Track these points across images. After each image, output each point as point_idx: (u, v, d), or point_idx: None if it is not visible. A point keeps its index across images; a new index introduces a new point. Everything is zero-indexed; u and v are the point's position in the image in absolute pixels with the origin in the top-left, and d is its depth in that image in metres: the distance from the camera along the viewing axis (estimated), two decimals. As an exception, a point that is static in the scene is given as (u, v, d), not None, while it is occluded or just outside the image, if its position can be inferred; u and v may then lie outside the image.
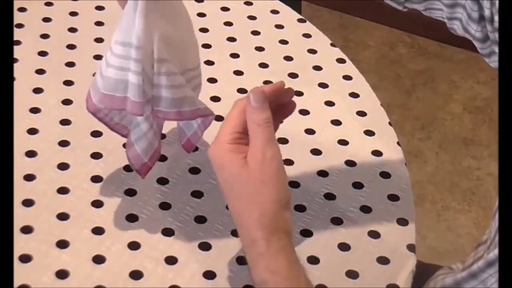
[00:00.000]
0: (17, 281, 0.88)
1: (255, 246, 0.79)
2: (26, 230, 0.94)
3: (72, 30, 1.21)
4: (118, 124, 0.94)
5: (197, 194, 0.99)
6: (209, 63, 1.17)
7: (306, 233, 0.97)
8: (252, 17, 1.27)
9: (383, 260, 0.95)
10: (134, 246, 0.94)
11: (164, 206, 0.98)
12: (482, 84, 2.35)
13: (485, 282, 0.81)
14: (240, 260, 0.92)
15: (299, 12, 1.31)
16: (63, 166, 1.01)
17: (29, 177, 1.00)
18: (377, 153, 1.07)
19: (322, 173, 1.04)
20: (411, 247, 0.96)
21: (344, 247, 0.96)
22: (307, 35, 1.24)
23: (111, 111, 0.92)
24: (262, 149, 0.80)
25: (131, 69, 0.86)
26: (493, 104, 2.30)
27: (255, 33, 1.24)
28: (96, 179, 1.00)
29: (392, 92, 2.31)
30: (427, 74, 2.36)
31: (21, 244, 0.92)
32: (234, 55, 1.19)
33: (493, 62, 0.91)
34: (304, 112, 1.11)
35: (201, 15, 1.26)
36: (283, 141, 1.07)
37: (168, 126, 1.03)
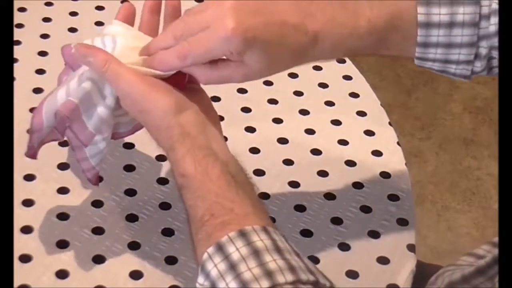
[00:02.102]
0: (17, 281, 0.88)
1: (169, 157, 0.84)
2: (26, 230, 0.94)
3: (72, 30, 1.21)
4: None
5: (197, 194, 0.99)
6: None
7: (306, 233, 0.97)
8: (252, 17, 1.26)
9: (383, 260, 0.95)
10: (134, 246, 0.93)
11: (164, 206, 0.98)
12: (482, 84, 2.35)
13: (492, 278, 0.81)
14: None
15: (299, 12, 1.31)
16: (63, 166, 1.01)
17: (29, 177, 1.00)
18: (377, 153, 1.07)
19: (322, 173, 1.04)
20: (411, 247, 0.96)
21: (344, 247, 0.96)
22: (307, 35, 1.24)
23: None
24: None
25: (101, 103, 0.86)
26: (493, 104, 2.30)
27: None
28: (96, 179, 1.00)
29: (392, 92, 2.31)
30: (427, 74, 2.36)
31: (21, 244, 0.92)
32: (234, 55, 1.19)
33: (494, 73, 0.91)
34: (304, 112, 1.11)
35: (201, 15, 1.26)
36: (283, 141, 1.07)
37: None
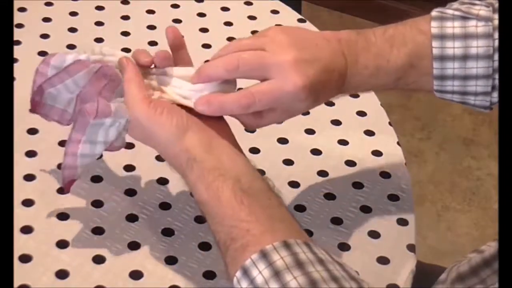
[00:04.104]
0: (17, 281, 0.88)
1: (186, 183, 0.85)
2: (26, 230, 0.94)
3: (72, 30, 1.21)
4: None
5: (197, 194, 0.99)
6: (209, 63, 1.17)
7: (306, 233, 0.97)
8: (252, 17, 1.27)
9: (383, 260, 0.95)
10: (134, 246, 0.93)
11: (164, 206, 0.98)
12: (482, 84, 2.35)
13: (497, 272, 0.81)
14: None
15: (299, 12, 1.31)
16: (63, 166, 1.01)
17: (29, 177, 1.00)
18: (377, 153, 1.07)
19: (322, 173, 1.04)
20: (411, 247, 0.96)
21: (344, 247, 0.96)
22: (307, 35, 1.24)
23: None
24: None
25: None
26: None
27: (255, 33, 1.24)
28: (96, 179, 1.00)
29: (392, 92, 2.31)
30: (427, 74, 2.36)
31: (21, 244, 0.92)
32: (234, 55, 1.19)
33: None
34: (304, 112, 1.11)
35: (201, 15, 1.26)
36: (283, 141, 1.07)
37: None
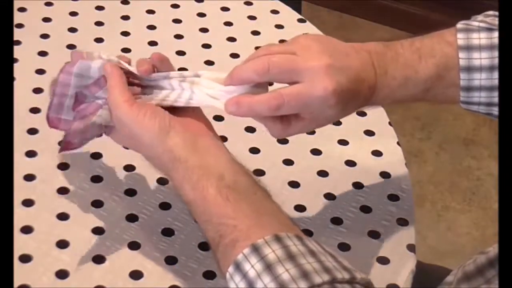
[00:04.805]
0: (17, 281, 0.88)
1: (172, 183, 0.86)
2: (26, 230, 0.94)
3: (72, 30, 1.21)
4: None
5: (197, 194, 0.99)
6: (209, 63, 1.17)
7: (306, 233, 0.96)
8: (252, 17, 1.27)
9: (383, 260, 0.95)
10: (134, 246, 0.94)
11: (164, 206, 0.98)
12: (482, 84, 2.35)
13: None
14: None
15: (299, 12, 1.31)
16: (63, 166, 1.01)
17: (29, 177, 1.00)
18: (377, 153, 1.07)
19: (322, 173, 1.04)
20: (411, 247, 0.96)
21: (344, 247, 0.96)
22: (307, 35, 1.24)
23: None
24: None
25: None
26: (493, 104, 2.30)
27: (255, 33, 1.24)
28: (96, 179, 1.00)
29: (392, 92, 2.31)
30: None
31: (21, 244, 0.92)
32: (234, 55, 1.19)
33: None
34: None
35: (201, 15, 1.26)
36: (283, 141, 1.07)
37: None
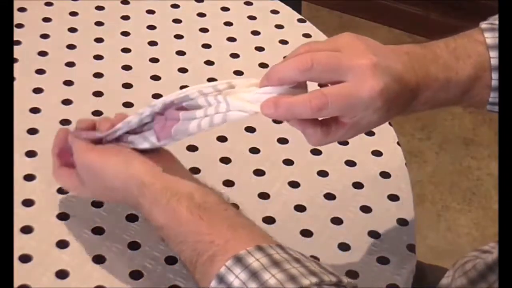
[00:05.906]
0: (17, 281, 0.88)
1: (141, 213, 0.86)
2: (26, 230, 0.94)
3: (72, 30, 1.21)
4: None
5: (197, 194, 0.99)
6: (209, 63, 1.17)
7: (306, 233, 0.97)
8: (252, 17, 1.27)
9: (383, 260, 0.95)
10: (134, 246, 0.93)
11: (164, 206, 0.98)
12: (482, 84, 2.35)
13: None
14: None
15: (299, 12, 1.31)
16: (63, 166, 1.01)
17: (29, 177, 1.00)
18: (377, 153, 1.07)
19: (322, 173, 1.04)
20: (411, 247, 0.96)
21: (344, 247, 0.96)
22: (307, 35, 1.24)
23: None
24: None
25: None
26: (493, 104, 2.30)
27: (255, 33, 1.24)
28: (96, 179, 1.00)
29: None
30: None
31: (21, 244, 0.92)
32: (234, 55, 1.19)
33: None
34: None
35: (201, 15, 1.26)
36: (283, 141, 1.07)
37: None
